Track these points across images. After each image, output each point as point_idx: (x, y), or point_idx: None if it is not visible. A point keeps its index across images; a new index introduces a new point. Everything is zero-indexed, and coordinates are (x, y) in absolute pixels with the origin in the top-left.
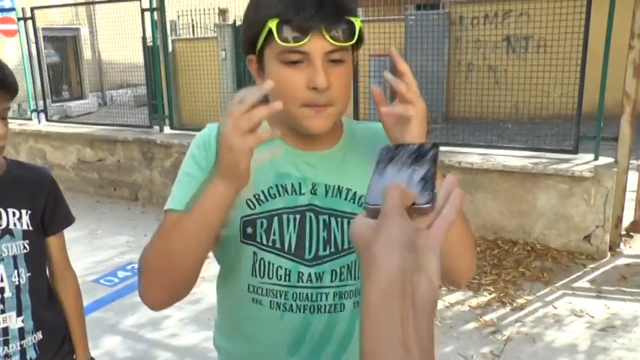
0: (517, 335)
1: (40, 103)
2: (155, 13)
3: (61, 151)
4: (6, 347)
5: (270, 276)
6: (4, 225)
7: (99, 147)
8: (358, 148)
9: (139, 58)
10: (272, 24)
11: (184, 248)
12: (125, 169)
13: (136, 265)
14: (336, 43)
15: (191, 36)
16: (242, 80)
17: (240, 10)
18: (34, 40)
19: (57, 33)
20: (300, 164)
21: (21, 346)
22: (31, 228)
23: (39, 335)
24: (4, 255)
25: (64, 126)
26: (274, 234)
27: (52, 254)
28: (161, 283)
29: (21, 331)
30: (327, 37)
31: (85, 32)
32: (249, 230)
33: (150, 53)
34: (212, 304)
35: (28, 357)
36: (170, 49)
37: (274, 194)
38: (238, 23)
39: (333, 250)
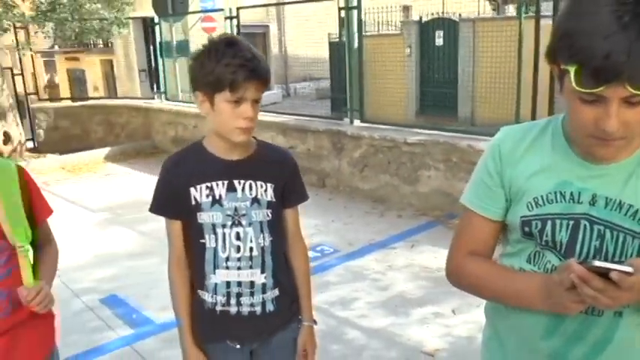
0: None
1: None
2: (351, 11)
3: (258, 137)
4: (251, 298)
5: (540, 267)
6: (254, 195)
7: (290, 135)
8: None
9: (322, 53)
10: (572, 69)
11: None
12: (314, 157)
13: (324, 247)
14: (636, 92)
15: (375, 32)
16: (426, 77)
17: (423, 6)
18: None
19: (249, 30)
20: (584, 175)
21: (263, 299)
22: (274, 200)
23: (276, 292)
24: (252, 220)
25: (260, 114)
26: (547, 236)
27: (288, 224)
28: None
29: (263, 286)
30: (629, 87)
31: (273, 29)
32: (526, 229)
33: (337, 49)
34: (400, 292)
35: (267, 309)
36: (356, 44)
37: (552, 200)
38: (424, 19)
39: (602, 260)
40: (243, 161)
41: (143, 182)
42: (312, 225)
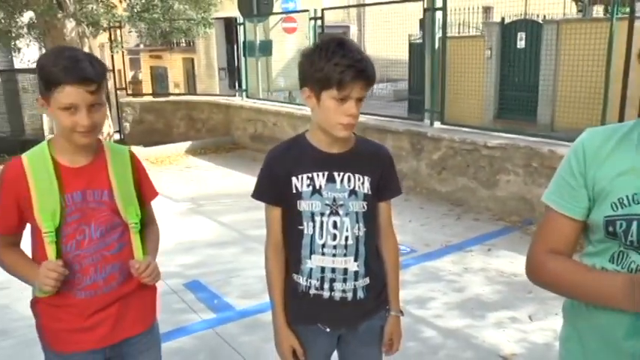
0: None
1: None
2: (436, 12)
3: None
4: (344, 284)
5: (624, 267)
6: (352, 187)
7: (370, 135)
8: None
9: (400, 54)
10: None
11: None
12: (393, 158)
13: (401, 247)
14: None
15: (455, 34)
16: (505, 80)
17: (505, 8)
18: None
19: (330, 30)
20: None
21: (354, 286)
22: (369, 192)
23: (367, 280)
24: (349, 210)
25: None
26: (632, 236)
27: (381, 218)
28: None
29: (356, 273)
30: None
31: (353, 29)
32: (610, 229)
33: (417, 50)
34: (476, 295)
35: (357, 296)
36: (438, 46)
37: (638, 200)
38: (506, 21)
39: None
40: (343, 154)
41: (222, 176)
42: None
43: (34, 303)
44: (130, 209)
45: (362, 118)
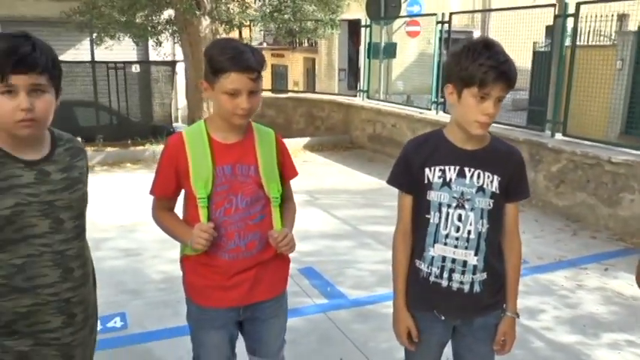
0: None
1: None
2: (567, 19)
3: None
4: (462, 276)
5: None
6: (480, 184)
7: None
8: None
9: (522, 62)
10: None
11: None
12: None
13: None
14: None
15: (583, 42)
16: (637, 94)
17: None
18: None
19: (452, 35)
20: None
21: (472, 279)
22: (497, 191)
23: (484, 276)
24: (475, 206)
25: None
26: None
27: (507, 218)
28: None
29: (474, 267)
30: None
31: (476, 35)
32: None
33: (542, 59)
34: (589, 313)
35: (474, 289)
36: (565, 55)
37: None
38: None
39: None
40: (476, 152)
41: (339, 172)
42: None
43: (183, 260)
44: (272, 185)
45: None
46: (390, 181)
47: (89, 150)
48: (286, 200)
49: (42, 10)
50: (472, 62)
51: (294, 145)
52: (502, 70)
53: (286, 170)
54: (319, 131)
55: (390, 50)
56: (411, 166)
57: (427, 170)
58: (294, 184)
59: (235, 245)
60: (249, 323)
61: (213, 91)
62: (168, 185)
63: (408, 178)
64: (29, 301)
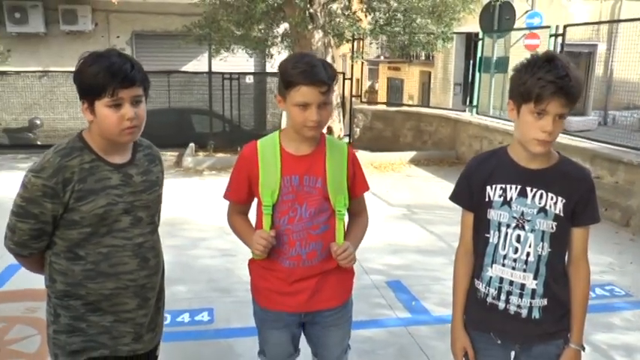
0: None
1: None
2: None
3: None
4: (519, 299)
5: None
6: (542, 204)
7: (599, 164)
8: None
9: None
10: None
11: None
12: (622, 192)
13: (615, 288)
14: None
15: None
16: None
17: None
18: None
19: (574, 48)
20: None
21: (530, 303)
22: (561, 214)
23: (545, 301)
24: (535, 227)
25: (567, 138)
26: None
27: (574, 242)
28: None
29: (533, 292)
30: None
31: (601, 49)
32: None
33: None
34: None
35: (532, 314)
36: None
37: None
38: None
39: None
40: (540, 171)
41: (441, 188)
42: (606, 263)
43: (250, 263)
44: (339, 198)
45: (592, 145)
46: (452, 198)
47: (201, 155)
48: (357, 214)
49: (168, 24)
50: (531, 76)
51: (400, 158)
52: (560, 86)
53: (357, 184)
54: (426, 145)
55: (502, 64)
56: (472, 184)
57: (488, 188)
58: (393, 197)
59: (296, 253)
60: (310, 327)
61: (286, 104)
62: (240, 191)
63: (469, 195)
64: (112, 284)
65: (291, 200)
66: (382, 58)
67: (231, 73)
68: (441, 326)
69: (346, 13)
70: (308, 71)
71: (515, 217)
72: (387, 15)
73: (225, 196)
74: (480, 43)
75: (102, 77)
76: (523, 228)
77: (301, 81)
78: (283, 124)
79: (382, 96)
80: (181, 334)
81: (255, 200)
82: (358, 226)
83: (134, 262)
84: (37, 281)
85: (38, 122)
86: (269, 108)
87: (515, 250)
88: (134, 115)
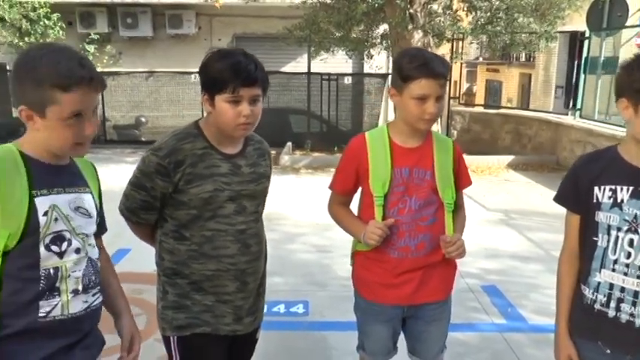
0: None
1: None
2: None
3: None
4: (633, 307)
5: None
6: None
7: None
8: None
9: None
10: None
11: None
12: None
13: None
14: None
15: None
16: None
17: None
18: None
19: None
20: None
21: None
22: None
23: None
24: None
25: None
26: None
27: None
28: None
29: None
30: None
31: None
32: None
33: None
34: None
35: None
36: None
37: None
38: None
39: None
40: None
41: (540, 194)
42: None
43: (354, 255)
44: (446, 190)
45: None
46: (557, 199)
47: (297, 154)
48: (458, 208)
49: (269, 27)
50: None
51: (497, 162)
52: None
53: (461, 179)
54: (525, 150)
55: (611, 65)
56: (579, 184)
57: (596, 189)
58: (490, 201)
59: (405, 244)
60: (411, 322)
61: (401, 97)
62: (348, 183)
63: (575, 196)
64: (214, 266)
65: (402, 192)
66: (481, 59)
67: (329, 74)
68: (539, 335)
69: (447, 12)
70: (427, 65)
71: (627, 220)
72: (489, 14)
73: (331, 187)
74: (586, 42)
75: (226, 74)
76: (636, 232)
77: (421, 74)
78: (380, 123)
79: (480, 98)
80: (277, 323)
81: (359, 192)
82: (461, 220)
83: (235, 247)
84: (142, 265)
85: (143, 120)
86: (366, 109)
87: (628, 255)
88: (250, 112)
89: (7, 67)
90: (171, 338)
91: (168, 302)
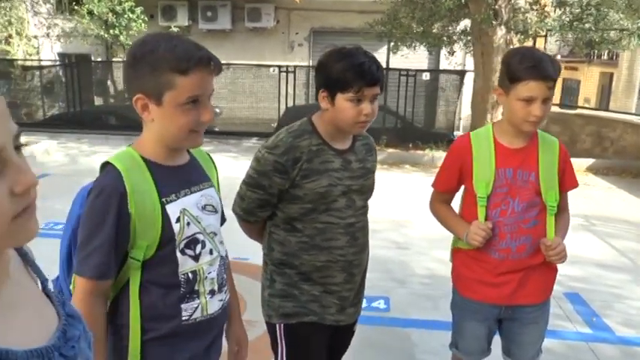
0: None
1: None
2: None
3: None
4: None
5: None
6: None
7: None
8: None
9: None
10: None
11: None
12: None
13: None
14: None
15: None
16: None
17: None
18: None
19: None
20: None
21: None
22: None
23: None
24: None
25: None
26: None
27: None
28: None
29: None
30: None
31: None
32: None
33: None
34: None
35: None
36: None
37: None
38: None
39: None
40: None
41: (622, 200)
42: None
43: (454, 251)
44: (550, 192)
45: None
46: None
47: None
48: (561, 210)
49: (348, 21)
50: None
51: (577, 166)
52: None
53: (566, 180)
54: (606, 153)
55: None
56: None
57: None
58: (569, 205)
59: (506, 246)
60: (508, 323)
61: (507, 98)
62: (451, 182)
63: None
64: (324, 258)
65: (504, 193)
66: (559, 57)
67: (407, 70)
68: (627, 348)
69: (535, 8)
70: (536, 66)
71: None
72: (580, 9)
73: (434, 185)
74: None
75: (350, 75)
76: None
77: (530, 76)
78: (457, 122)
79: (555, 97)
80: (360, 317)
81: (461, 191)
82: (564, 223)
83: (344, 239)
84: (234, 254)
85: (218, 110)
86: (440, 105)
87: None
88: (371, 111)
89: (92, 58)
90: (278, 326)
91: (275, 290)
